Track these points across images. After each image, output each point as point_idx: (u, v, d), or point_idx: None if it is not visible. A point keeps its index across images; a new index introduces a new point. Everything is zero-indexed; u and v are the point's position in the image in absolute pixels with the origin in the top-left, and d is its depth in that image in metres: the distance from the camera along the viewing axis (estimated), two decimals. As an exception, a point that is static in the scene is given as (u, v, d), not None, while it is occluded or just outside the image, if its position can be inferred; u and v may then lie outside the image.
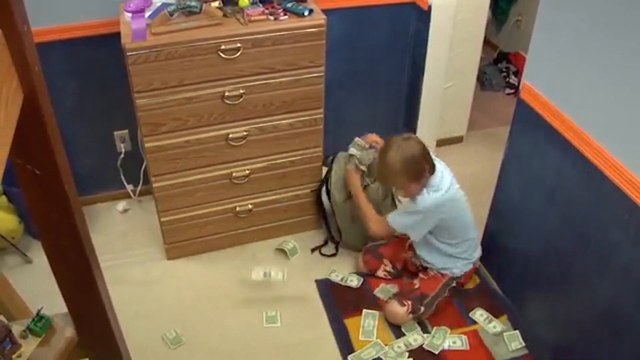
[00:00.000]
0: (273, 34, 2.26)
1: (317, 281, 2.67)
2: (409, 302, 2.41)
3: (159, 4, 2.31)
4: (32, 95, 1.04)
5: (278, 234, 2.88)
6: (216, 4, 2.34)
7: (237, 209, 2.71)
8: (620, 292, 1.88)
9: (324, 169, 2.78)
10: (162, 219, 2.63)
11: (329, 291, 2.62)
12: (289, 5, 2.34)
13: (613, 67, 1.76)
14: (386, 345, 2.36)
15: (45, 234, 1.30)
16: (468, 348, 2.35)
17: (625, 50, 1.70)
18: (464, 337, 2.38)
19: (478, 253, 2.56)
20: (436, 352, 2.32)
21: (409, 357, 2.32)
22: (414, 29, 2.99)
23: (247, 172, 2.59)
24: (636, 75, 1.68)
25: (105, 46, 2.57)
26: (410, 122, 3.25)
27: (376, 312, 2.49)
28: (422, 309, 2.42)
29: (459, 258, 2.48)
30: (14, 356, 1.39)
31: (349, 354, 2.34)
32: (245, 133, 2.48)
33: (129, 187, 3.05)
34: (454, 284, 2.52)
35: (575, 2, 1.87)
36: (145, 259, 2.79)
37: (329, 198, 2.71)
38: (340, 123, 3.19)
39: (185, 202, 2.60)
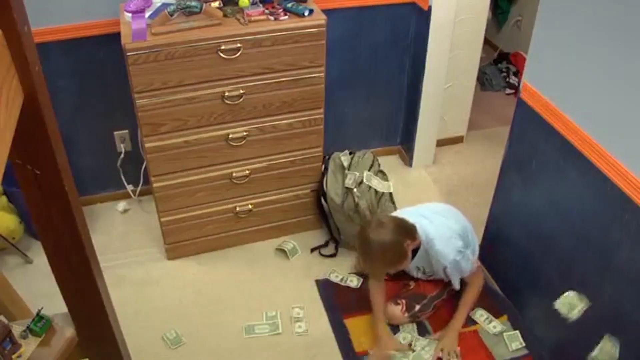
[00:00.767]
0: (273, 34, 2.26)
1: (317, 281, 2.67)
2: (403, 301, 2.42)
3: (159, 4, 2.31)
4: (32, 95, 1.04)
5: (278, 234, 2.88)
6: (216, 4, 2.34)
7: (237, 209, 2.71)
8: (620, 292, 1.88)
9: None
10: (162, 219, 2.63)
11: (329, 291, 2.62)
12: (289, 5, 2.34)
13: (613, 67, 1.76)
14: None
15: (45, 234, 1.30)
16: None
17: (626, 50, 1.70)
18: (458, 349, 2.35)
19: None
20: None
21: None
22: (414, 29, 2.99)
23: (247, 172, 2.60)
24: (636, 75, 1.68)
25: (106, 46, 2.57)
26: (410, 122, 3.25)
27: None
28: (418, 307, 2.42)
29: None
30: (14, 356, 1.39)
31: (349, 354, 2.34)
32: (245, 133, 2.48)
33: (129, 187, 3.05)
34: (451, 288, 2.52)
35: (576, 2, 1.87)
36: (145, 259, 2.79)
37: (325, 199, 2.71)
38: (340, 123, 3.20)
39: (185, 202, 2.60)
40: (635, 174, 1.73)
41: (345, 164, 2.70)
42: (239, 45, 2.24)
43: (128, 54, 2.14)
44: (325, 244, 2.85)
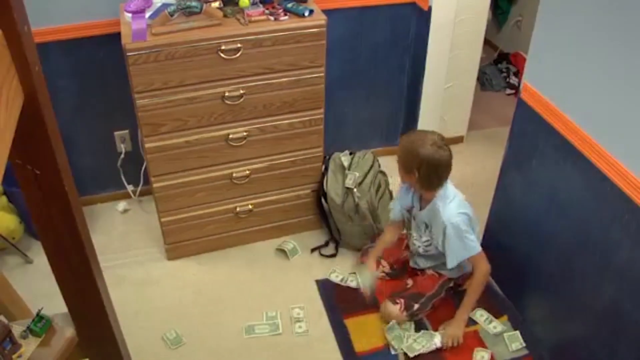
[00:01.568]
0: (273, 35, 2.26)
1: (317, 281, 2.67)
2: (402, 300, 2.42)
3: (159, 5, 2.31)
4: (32, 95, 1.04)
5: (278, 234, 2.88)
6: (216, 4, 2.34)
7: (238, 209, 2.71)
8: (620, 292, 1.88)
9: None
10: (162, 219, 2.63)
11: (329, 291, 2.62)
12: (290, 5, 2.34)
13: (613, 68, 1.76)
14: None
15: (45, 234, 1.30)
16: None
17: (626, 50, 1.70)
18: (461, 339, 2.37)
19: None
20: (411, 355, 2.30)
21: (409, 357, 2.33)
22: (415, 29, 2.99)
23: (248, 172, 2.60)
24: (636, 75, 1.68)
25: (106, 46, 2.57)
26: (410, 122, 3.25)
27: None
28: (417, 306, 2.42)
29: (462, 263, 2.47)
30: (14, 356, 1.39)
31: (349, 354, 2.34)
32: (245, 133, 2.48)
33: (129, 188, 3.05)
34: (451, 284, 2.52)
35: (576, 2, 1.87)
36: (146, 259, 2.79)
37: (326, 199, 2.71)
38: (340, 123, 3.20)
39: (186, 202, 2.60)
40: (635, 174, 1.73)
41: (346, 164, 2.70)
42: (239, 45, 2.24)
43: (128, 54, 2.14)
44: (326, 244, 2.85)
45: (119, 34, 2.23)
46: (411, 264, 2.58)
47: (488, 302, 2.55)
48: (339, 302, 2.57)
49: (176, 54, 2.19)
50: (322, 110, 2.55)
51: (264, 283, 2.67)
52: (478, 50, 3.23)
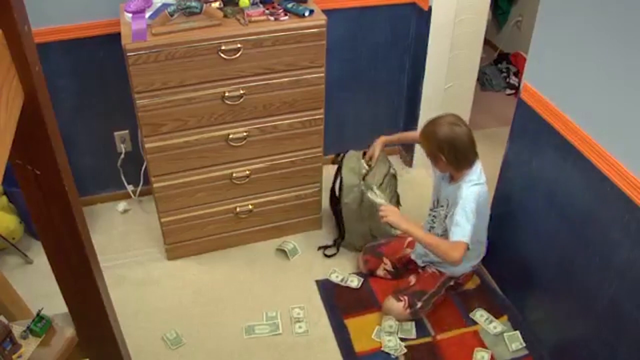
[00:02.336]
0: (273, 35, 2.26)
1: (317, 281, 2.67)
2: (405, 297, 2.42)
3: (159, 5, 2.31)
4: (32, 95, 1.04)
5: (278, 234, 2.88)
6: (216, 4, 2.34)
7: (238, 209, 2.71)
8: (620, 292, 1.88)
9: (325, 168, 2.77)
10: (163, 220, 2.63)
11: (330, 291, 2.62)
12: (290, 5, 2.34)
13: (613, 68, 1.77)
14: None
15: (45, 235, 1.30)
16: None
17: (626, 50, 1.70)
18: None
19: (481, 255, 2.56)
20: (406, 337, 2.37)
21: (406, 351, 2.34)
22: (415, 29, 2.99)
23: (248, 172, 2.59)
24: (636, 75, 1.68)
25: (106, 47, 2.57)
26: (410, 122, 3.25)
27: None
28: (420, 304, 2.42)
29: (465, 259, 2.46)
30: (14, 356, 1.39)
31: (349, 354, 2.34)
32: (245, 133, 2.48)
33: (129, 188, 3.05)
34: (451, 283, 2.52)
35: (576, 2, 1.87)
36: (146, 260, 2.79)
37: (339, 198, 2.70)
38: (340, 123, 3.20)
39: (186, 202, 2.60)
40: (635, 174, 1.73)
41: (363, 171, 2.66)
42: (239, 45, 2.24)
43: (128, 54, 2.14)
44: (334, 242, 2.84)
45: (119, 34, 2.23)
46: (413, 256, 2.59)
47: (488, 302, 2.55)
48: (339, 302, 2.57)
49: (176, 54, 2.19)
50: (322, 111, 2.55)
51: (264, 283, 2.67)
52: (478, 51, 3.23)
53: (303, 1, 2.38)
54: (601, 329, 2.00)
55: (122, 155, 2.95)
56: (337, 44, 2.84)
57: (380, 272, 2.64)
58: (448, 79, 3.16)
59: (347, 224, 2.76)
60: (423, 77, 3.03)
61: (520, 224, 2.40)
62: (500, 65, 4.28)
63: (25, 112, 1.04)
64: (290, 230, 2.89)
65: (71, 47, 2.57)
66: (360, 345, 2.38)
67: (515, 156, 2.34)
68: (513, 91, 4.06)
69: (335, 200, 2.79)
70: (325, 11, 2.38)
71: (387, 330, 2.41)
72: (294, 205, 2.80)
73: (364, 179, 2.64)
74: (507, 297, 2.57)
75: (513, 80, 4.13)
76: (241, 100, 2.38)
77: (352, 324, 2.47)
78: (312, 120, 2.55)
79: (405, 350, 2.35)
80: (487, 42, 3.86)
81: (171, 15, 2.22)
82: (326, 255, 2.80)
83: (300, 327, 2.46)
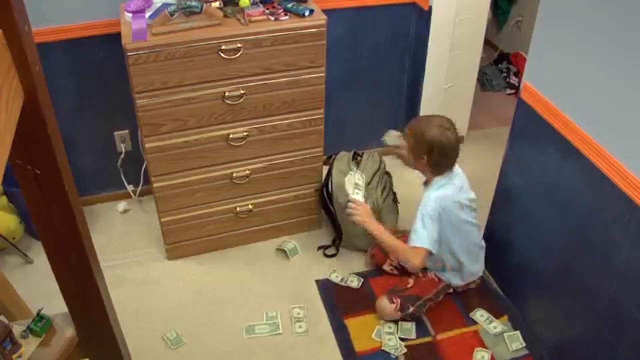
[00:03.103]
0: (273, 34, 2.26)
1: (317, 281, 2.67)
2: (398, 300, 2.42)
3: (159, 4, 2.31)
4: (32, 95, 1.04)
5: (278, 234, 2.88)
6: (217, 4, 2.34)
7: (238, 209, 2.71)
8: (620, 292, 1.88)
9: (325, 168, 2.77)
10: (163, 219, 2.63)
11: (330, 291, 2.62)
12: (290, 5, 2.34)
13: (613, 67, 1.77)
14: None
15: (45, 235, 1.30)
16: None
17: (626, 50, 1.70)
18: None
19: (478, 268, 2.53)
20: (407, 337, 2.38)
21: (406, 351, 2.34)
22: (415, 29, 2.99)
23: (248, 172, 2.59)
24: (636, 75, 1.68)
25: (106, 46, 2.57)
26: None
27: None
28: (412, 309, 2.42)
29: (457, 271, 2.48)
30: (14, 356, 1.39)
31: (349, 354, 2.34)
32: (245, 133, 2.48)
33: (130, 188, 3.05)
34: (450, 291, 2.53)
35: (576, 2, 1.87)
36: (146, 259, 2.79)
37: (331, 200, 2.71)
38: (340, 123, 3.20)
39: (186, 202, 2.60)
40: (635, 174, 1.73)
41: (354, 167, 2.69)
42: (239, 45, 2.24)
43: (128, 54, 2.14)
44: (333, 242, 2.85)
45: (119, 34, 2.22)
46: None
47: (488, 302, 2.55)
48: (339, 302, 2.57)
49: (176, 54, 2.19)
50: (322, 111, 2.55)
51: (264, 283, 2.67)
52: (478, 51, 3.23)
53: (303, 1, 2.38)
54: (601, 329, 2.00)
55: (122, 155, 2.95)
56: (337, 43, 2.84)
57: (387, 267, 2.65)
58: (448, 79, 3.16)
59: (342, 225, 2.76)
60: (423, 77, 3.03)
61: (520, 224, 2.40)
62: (501, 65, 4.28)
63: (26, 112, 1.04)
64: (290, 230, 2.89)
65: (71, 47, 2.57)
66: (360, 345, 2.38)
67: (516, 156, 2.34)
68: (513, 91, 4.06)
69: (325, 200, 2.78)
70: (325, 11, 2.38)
71: (387, 330, 2.41)
72: (294, 205, 2.80)
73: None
74: (507, 297, 2.57)
75: (513, 80, 4.13)
76: (241, 100, 2.38)
77: (352, 323, 2.47)
78: (312, 120, 2.55)
79: (405, 350, 2.35)
80: (487, 42, 3.86)
81: (171, 15, 2.22)
82: (326, 255, 2.80)
83: (300, 327, 2.46)
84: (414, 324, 2.45)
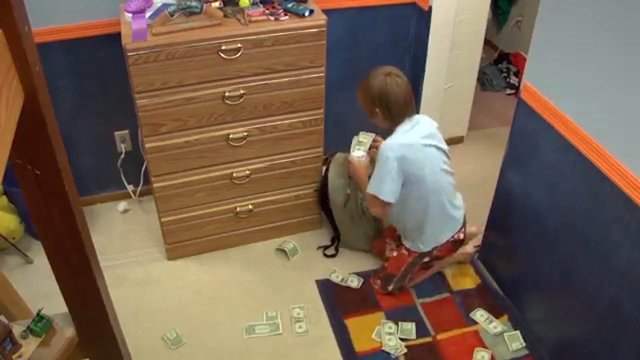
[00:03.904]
0: (273, 35, 2.26)
1: (317, 281, 2.67)
2: (379, 282, 2.58)
3: (159, 5, 2.31)
4: (32, 95, 1.04)
5: (278, 234, 2.88)
6: (217, 4, 2.34)
7: (238, 209, 2.71)
8: (620, 293, 1.88)
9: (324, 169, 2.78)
10: (163, 219, 2.63)
11: (330, 291, 2.62)
12: (290, 5, 2.34)
13: (613, 68, 1.77)
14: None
15: (45, 235, 1.30)
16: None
17: (626, 50, 1.70)
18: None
19: (452, 227, 2.46)
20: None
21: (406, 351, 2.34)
22: (415, 29, 2.99)
23: (248, 172, 2.60)
24: (636, 75, 1.68)
25: (106, 46, 2.57)
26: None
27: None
28: (391, 286, 2.55)
29: (421, 231, 2.43)
30: (14, 356, 1.39)
31: (349, 354, 2.34)
32: (245, 133, 2.48)
33: (130, 188, 3.05)
34: (426, 260, 2.51)
35: (576, 2, 1.87)
36: (146, 259, 2.79)
37: (328, 200, 2.71)
38: (340, 123, 3.19)
39: (186, 202, 2.60)
40: (635, 174, 1.73)
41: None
42: (239, 45, 2.24)
43: (128, 54, 2.14)
44: (332, 242, 2.85)
45: (119, 34, 2.23)
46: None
47: (488, 302, 2.55)
48: (339, 302, 2.57)
49: (176, 54, 2.19)
50: (322, 111, 2.55)
51: (264, 283, 2.67)
52: (478, 51, 3.23)
53: (303, 1, 2.38)
54: (601, 329, 2.00)
55: (122, 155, 2.95)
56: (337, 43, 2.84)
57: (388, 252, 2.67)
58: (448, 79, 3.16)
59: (340, 225, 2.76)
60: (423, 77, 3.03)
61: (520, 224, 2.40)
62: (501, 65, 4.28)
63: (26, 112, 1.04)
64: (290, 230, 2.89)
65: (71, 47, 2.57)
66: (360, 345, 2.38)
67: (516, 156, 2.34)
68: (513, 91, 4.06)
69: (322, 201, 2.78)
70: (325, 11, 2.38)
71: (387, 330, 2.41)
72: (294, 205, 2.80)
73: (350, 179, 2.65)
74: (507, 297, 2.57)
75: (513, 80, 4.13)
76: (241, 100, 2.38)
77: (352, 323, 2.47)
78: (312, 120, 2.55)
79: (405, 350, 2.35)
80: (487, 42, 3.86)
81: (171, 15, 2.22)
82: (326, 255, 2.80)
83: (300, 327, 2.46)
84: (414, 324, 2.45)
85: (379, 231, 2.76)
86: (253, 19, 2.28)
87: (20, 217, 2.76)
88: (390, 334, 2.41)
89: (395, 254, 2.56)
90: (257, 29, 2.25)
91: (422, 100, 3.11)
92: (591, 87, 1.86)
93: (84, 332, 1.51)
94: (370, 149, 2.56)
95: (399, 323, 2.45)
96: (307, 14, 2.32)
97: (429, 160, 2.32)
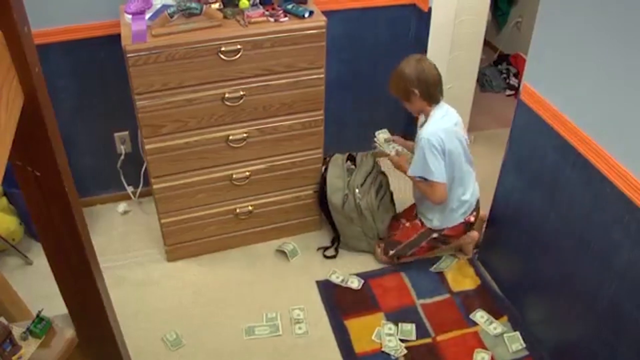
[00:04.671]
0: (273, 36, 2.26)
1: (317, 282, 2.67)
2: (382, 245, 2.70)
3: (159, 6, 2.31)
4: (32, 96, 1.04)
5: (278, 235, 2.88)
6: (216, 5, 2.34)
7: (238, 210, 2.71)
8: (620, 293, 1.88)
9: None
10: (163, 221, 2.63)
11: (330, 292, 2.62)
12: (289, 6, 2.34)
13: (613, 68, 1.77)
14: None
15: (45, 236, 1.30)
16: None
17: (626, 51, 1.71)
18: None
19: (465, 210, 2.58)
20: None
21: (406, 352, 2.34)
22: (414, 30, 2.99)
23: (248, 173, 2.60)
24: (636, 75, 1.68)
25: (106, 48, 2.58)
26: (410, 123, 3.24)
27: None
28: (392, 251, 2.66)
29: (440, 212, 2.57)
30: (14, 358, 1.39)
31: (349, 355, 2.34)
32: (245, 135, 2.48)
33: (129, 189, 3.05)
34: (435, 236, 2.60)
35: (576, 3, 1.87)
36: (146, 261, 2.79)
37: (326, 201, 2.71)
38: (340, 125, 3.20)
39: (186, 203, 2.60)
40: (635, 174, 1.73)
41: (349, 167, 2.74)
42: (239, 46, 2.24)
43: (128, 55, 2.14)
44: (332, 243, 2.85)
45: (119, 35, 2.23)
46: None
47: (488, 302, 2.55)
48: (339, 303, 2.57)
49: (176, 55, 2.19)
50: (322, 112, 2.55)
51: (264, 284, 2.67)
52: (478, 52, 3.23)
53: (303, 2, 2.38)
54: (601, 329, 2.00)
55: (122, 156, 2.95)
56: (337, 45, 2.84)
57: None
58: (448, 80, 3.16)
59: (339, 226, 2.76)
60: (423, 78, 3.03)
61: (520, 225, 2.40)
62: (500, 66, 4.28)
63: (25, 113, 1.04)
64: (290, 231, 2.89)
65: (71, 48, 2.57)
66: (360, 346, 2.38)
67: (515, 157, 2.35)
68: (513, 92, 4.06)
69: (321, 202, 2.79)
70: (325, 12, 2.39)
71: (387, 331, 2.41)
72: (294, 207, 2.80)
73: (348, 181, 2.68)
74: (507, 298, 2.57)
75: (513, 81, 4.13)
76: (241, 101, 2.38)
77: (352, 324, 2.47)
78: (312, 121, 2.55)
79: (405, 351, 2.35)
80: (487, 43, 3.86)
81: (171, 16, 2.22)
82: (326, 256, 2.80)
83: (300, 328, 2.46)
84: (414, 325, 2.45)
85: (378, 233, 2.75)
86: (253, 20, 2.28)
87: (20, 218, 2.76)
88: (390, 335, 2.41)
89: (408, 224, 2.66)
90: (256, 30, 2.25)
91: (422, 101, 3.10)
92: (591, 88, 1.86)
93: (83, 333, 1.51)
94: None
95: (399, 324, 2.45)
96: (306, 15, 2.32)
97: (460, 147, 2.46)
